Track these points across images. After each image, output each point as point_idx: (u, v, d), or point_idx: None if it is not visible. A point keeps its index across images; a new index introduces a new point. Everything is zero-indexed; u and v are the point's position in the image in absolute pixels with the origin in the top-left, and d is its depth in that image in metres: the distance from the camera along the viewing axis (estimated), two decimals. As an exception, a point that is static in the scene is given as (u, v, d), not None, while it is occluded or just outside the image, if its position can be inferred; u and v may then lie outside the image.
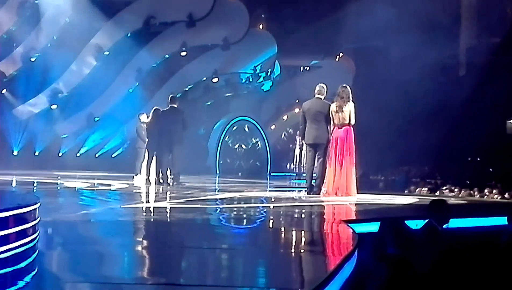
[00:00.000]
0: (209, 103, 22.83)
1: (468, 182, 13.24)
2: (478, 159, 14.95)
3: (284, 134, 24.26)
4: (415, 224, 6.46)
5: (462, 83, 15.85)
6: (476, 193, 12.71)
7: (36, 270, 4.16)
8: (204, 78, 22.13)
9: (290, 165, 22.99)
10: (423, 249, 5.35)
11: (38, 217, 4.87)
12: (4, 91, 20.23)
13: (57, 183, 14.17)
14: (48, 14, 19.87)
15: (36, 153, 20.92)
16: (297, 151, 21.97)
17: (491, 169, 13.63)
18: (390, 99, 15.13)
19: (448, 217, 6.12)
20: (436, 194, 12.90)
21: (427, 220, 6.05)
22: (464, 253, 5.79)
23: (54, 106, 20.65)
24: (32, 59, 20.30)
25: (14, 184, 12.50)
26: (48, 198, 9.61)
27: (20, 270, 4.11)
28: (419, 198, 11.10)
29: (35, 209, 4.81)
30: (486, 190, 12.59)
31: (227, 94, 22.97)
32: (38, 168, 18.33)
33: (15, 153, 20.52)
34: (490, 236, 7.40)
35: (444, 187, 13.36)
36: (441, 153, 14.86)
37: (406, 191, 13.37)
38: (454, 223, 6.79)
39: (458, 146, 15.13)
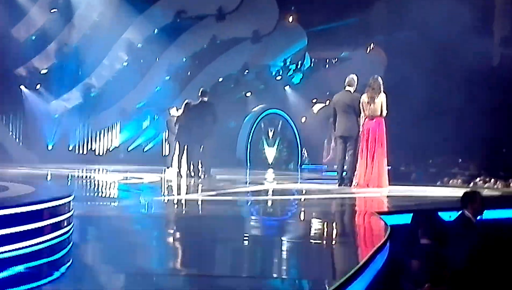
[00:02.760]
0: (239, 96, 22.85)
1: (502, 173, 13.02)
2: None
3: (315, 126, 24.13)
4: (449, 216, 6.39)
5: (495, 73, 15.59)
6: (511, 184, 12.50)
7: (70, 261, 4.23)
8: (234, 71, 22.16)
9: (321, 157, 22.88)
10: (457, 241, 5.28)
11: (72, 210, 4.95)
12: (38, 86, 20.56)
13: (90, 176, 14.36)
14: (80, 10, 20.12)
15: (70, 148, 21.22)
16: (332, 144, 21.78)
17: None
18: (422, 90, 14.95)
19: (482, 208, 6.05)
20: (470, 185, 12.73)
21: (460, 212, 5.99)
22: (499, 245, 5.71)
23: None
24: (65, 55, 20.57)
25: (48, 178, 12.71)
26: (81, 191, 9.76)
27: (55, 261, 4.18)
28: (452, 190, 10.97)
29: (69, 201, 4.89)
30: (521, 181, 12.37)
31: (258, 87, 22.95)
32: (71, 162, 18.59)
33: (50, 147, 20.85)
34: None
35: (478, 179, 13.16)
36: (475, 144, 14.64)
37: (439, 183, 13.22)
38: (488, 214, 6.71)
39: (492, 137, 14.89)
